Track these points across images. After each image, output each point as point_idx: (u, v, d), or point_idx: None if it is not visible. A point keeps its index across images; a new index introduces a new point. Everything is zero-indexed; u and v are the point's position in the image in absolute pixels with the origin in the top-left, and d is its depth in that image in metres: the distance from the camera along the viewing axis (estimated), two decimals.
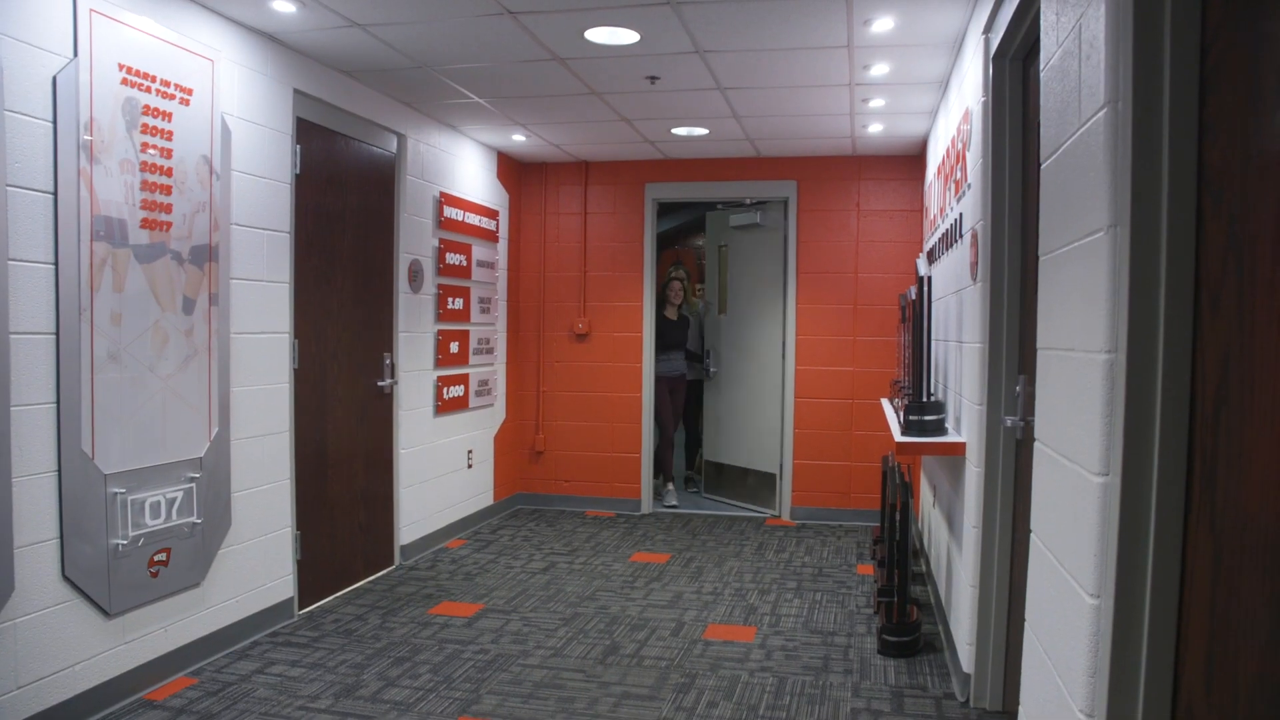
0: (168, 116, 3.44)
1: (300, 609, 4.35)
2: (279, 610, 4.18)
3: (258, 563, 4.03)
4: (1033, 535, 2.13)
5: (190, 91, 3.55)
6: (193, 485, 3.59)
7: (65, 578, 3.04)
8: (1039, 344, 2.13)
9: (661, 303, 7.12)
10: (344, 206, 4.70)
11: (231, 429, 3.83)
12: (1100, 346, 1.59)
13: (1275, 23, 1.19)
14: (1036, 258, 2.17)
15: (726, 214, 7.18)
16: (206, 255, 3.66)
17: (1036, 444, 2.10)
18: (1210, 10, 1.40)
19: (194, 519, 3.60)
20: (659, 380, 7.03)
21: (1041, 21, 2.19)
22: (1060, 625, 1.81)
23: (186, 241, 3.55)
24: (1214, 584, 1.33)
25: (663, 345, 7.07)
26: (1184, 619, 1.43)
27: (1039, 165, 2.15)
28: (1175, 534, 1.44)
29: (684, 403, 7.39)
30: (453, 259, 5.81)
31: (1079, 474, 1.70)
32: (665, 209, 7.68)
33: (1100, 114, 1.63)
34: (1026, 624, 2.14)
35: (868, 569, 5.27)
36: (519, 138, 6.09)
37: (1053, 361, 1.99)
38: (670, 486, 7.12)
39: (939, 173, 4.85)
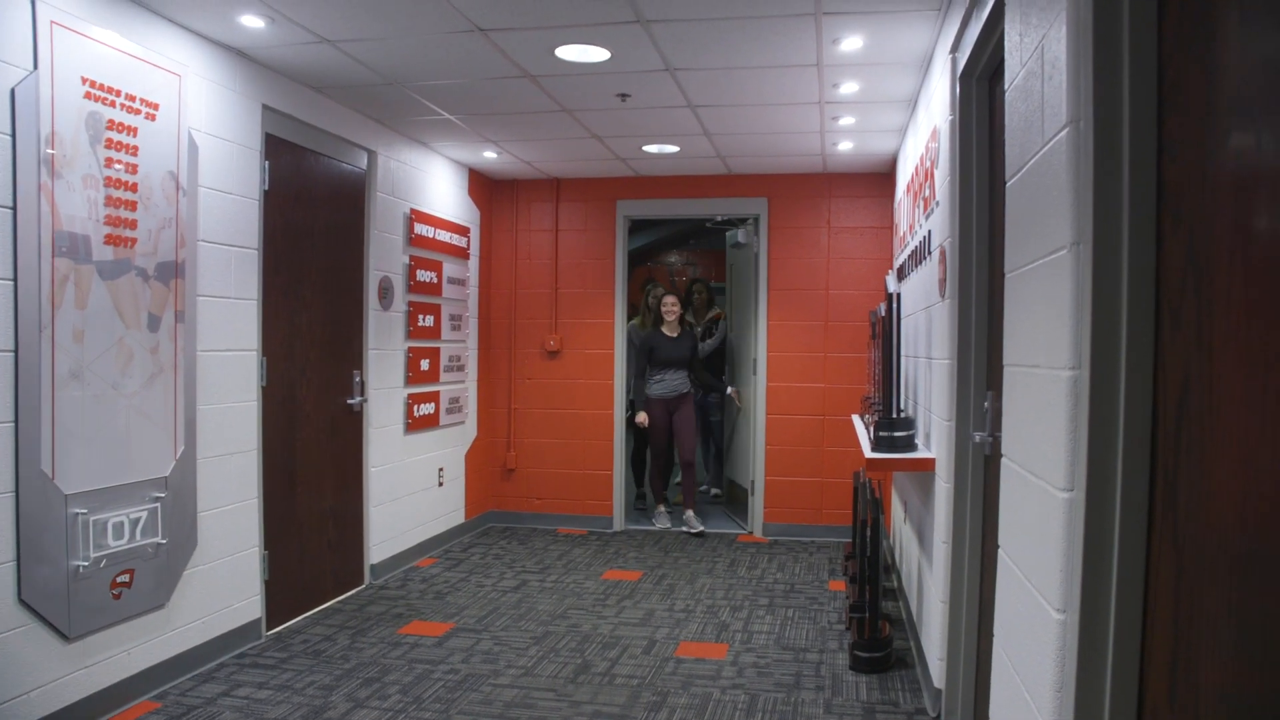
0: (133, 131, 3.40)
1: (268, 630, 4.28)
2: (246, 631, 4.10)
3: (224, 583, 3.96)
4: (1000, 551, 2.13)
5: (156, 106, 3.51)
6: (157, 505, 3.52)
7: (22, 601, 2.97)
8: (1005, 360, 2.13)
9: (658, 320, 6.77)
10: (313, 223, 4.66)
11: (198, 447, 3.77)
12: (1064, 363, 1.61)
13: (1227, 43, 1.22)
14: (1003, 274, 2.19)
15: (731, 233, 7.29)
16: (172, 272, 3.61)
17: (1003, 460, 2.11)
18: (1166, 31, 1.43)
19: (158, 539, 3.53)
20: (655, 401, 6.66)
21: (1006, 42, 2.22)
22: (1027, 640, 1.81)
23: (152, 258, 3.50)
24: (1176, 597, 1.34)
25: (659, 363, 6.65)
26: (1148, 632, 1.44)
27: (1005, 183, 2.18)
28: (1139, 548, 1.45)
29: (695, 420, 6.86)
30: (423, 276, 5.78)
31: (1044, 490, 1.71)
32: (637, 226, 7.71)
33: (1063, 133, 1.65)
34: (995, 639, 2.14)
35: (840, 585, 5.28)
36: (490, 154, 6.09)
37: (1018, 378, 2.00)
38: (662, 509, 6.93)
39: (908, 190, 4.89)
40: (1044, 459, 1.73)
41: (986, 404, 2.73)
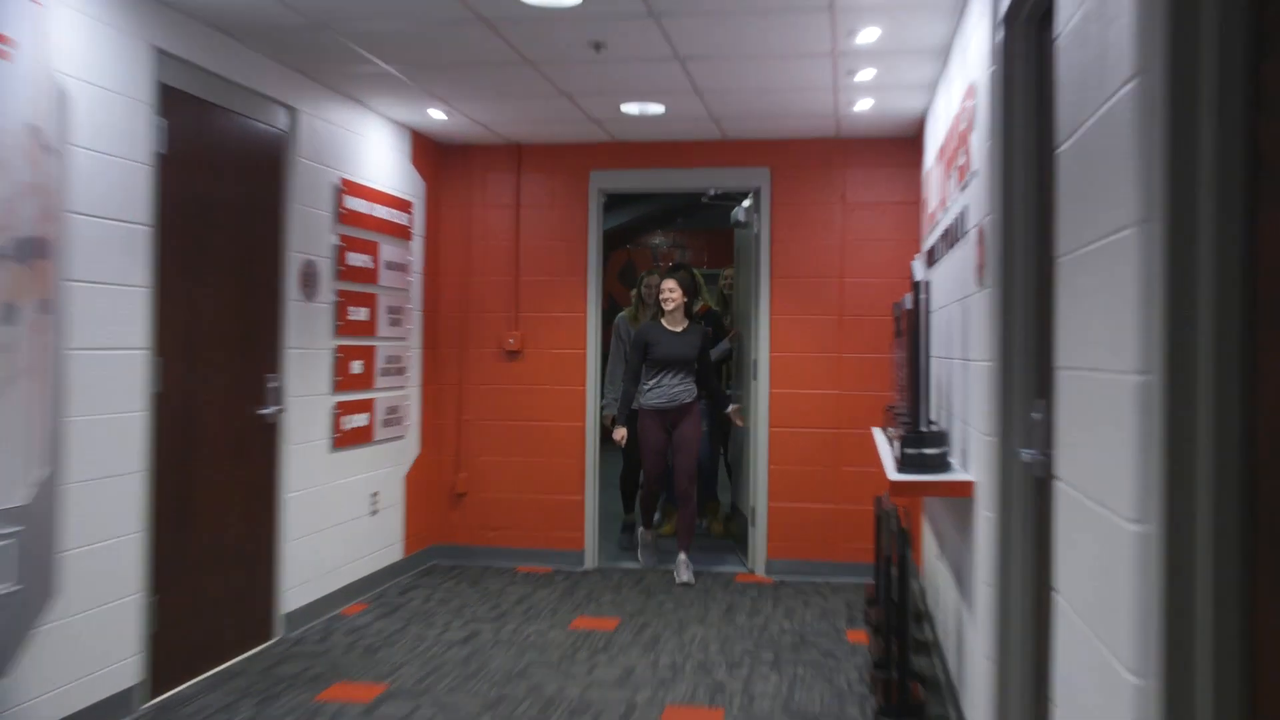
0: None
1: (151, 698, 4.19)
2: (120, 701, 4.00)
3: (94, 641, 3.86)
4: (1056, 595, 2.12)
5: (12, 43, 3.42)
6: (9, 544, 3.42)
7: None
8: (1058, 363, 2.15)
9: (657, 312, 6.56)
10: (220, 194, 4.62)
11: (65, 470, 3.68)
12: (1131, 366, 1.60)
13: None
14: (1054, 259, 2.18)
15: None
16: (34, 251, 3.52)
17: (1057, 483, 2.12)
18: None
19: (7, 586, 3.43)
20: (647, 413, 6.40)
21: None
22: (1095, 709, 1.80)
23: (8, 233, 3.40)
24: None
25: (656, 364, 6.35)
26: (1254, 702, 1.41)
27: (1056, 149, 2.16)
28: (1234, 595, 1.43)
29: (698, 439, 6.61)
30: (355, 260, 5.74)
31: (1110, 521, 1.70)
32: (614, 201, 7.70)
33: (1128, 87, 1.64)
34: (1053, 706, 2.12)
35: (860, 636, 5.27)
36: (438, 115, 6.06)
37: (1074, 384, 2.00)
38: (646, 534, 6.84)
39: (939, 158, 4.92)
40: (1108, 483, 1.72)
41: (1036, 415, 2.71)
